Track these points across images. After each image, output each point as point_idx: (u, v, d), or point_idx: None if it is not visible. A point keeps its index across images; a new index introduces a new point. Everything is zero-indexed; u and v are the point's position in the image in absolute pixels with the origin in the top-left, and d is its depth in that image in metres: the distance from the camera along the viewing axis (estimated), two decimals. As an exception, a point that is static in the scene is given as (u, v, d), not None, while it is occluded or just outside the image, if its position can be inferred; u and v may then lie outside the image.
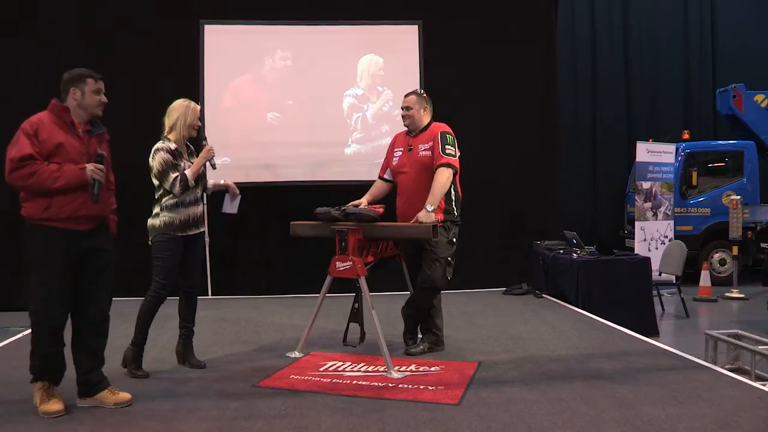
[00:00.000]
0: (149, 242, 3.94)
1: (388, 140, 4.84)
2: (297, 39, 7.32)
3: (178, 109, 3.98)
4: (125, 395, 3.41)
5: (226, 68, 7.23)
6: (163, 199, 3.91)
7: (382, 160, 4.74)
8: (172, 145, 3.93)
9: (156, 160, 3.88)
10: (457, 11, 7.53)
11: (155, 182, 3.94)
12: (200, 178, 4.03)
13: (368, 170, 6.66)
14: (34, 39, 6.77)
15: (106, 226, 3.36)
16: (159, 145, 3.92)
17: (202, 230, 4.07)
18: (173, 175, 3.85)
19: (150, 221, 3.94)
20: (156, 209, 3.94)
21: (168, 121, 3.98)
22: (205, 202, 6.82)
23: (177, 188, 3.85)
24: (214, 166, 4.10)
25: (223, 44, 7.22)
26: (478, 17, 7.54)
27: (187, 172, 3.89)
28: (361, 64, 7.38)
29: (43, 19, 6.90)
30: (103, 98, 3.34)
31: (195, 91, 6.98)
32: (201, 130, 4.20)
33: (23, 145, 3.10)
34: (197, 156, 4.05)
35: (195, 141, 4.12)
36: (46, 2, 6.96)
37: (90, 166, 3.19)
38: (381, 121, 7.33)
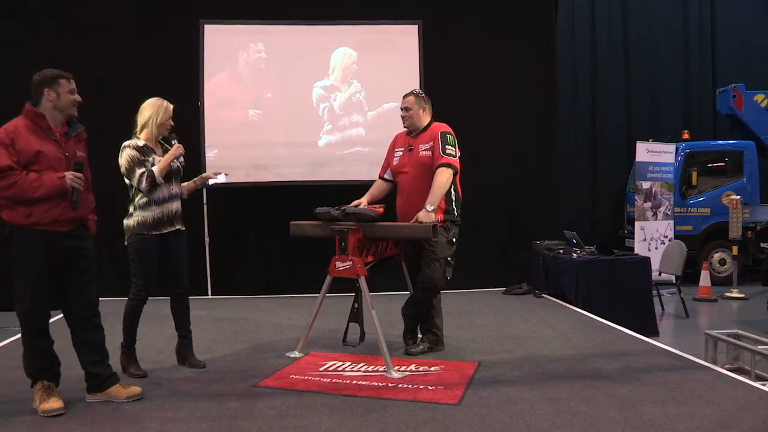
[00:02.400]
0: (125, 243, 3.92)
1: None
2: (297, 39, 7.32)
3: (151, 107, 3.93)
4: (136, 389, 3.45)
5: (225, 67, 7.23)
6: (136, 198, 3.88)
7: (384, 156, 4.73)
8: (140, 142, 3.88)
9: (123, 157, 3.84)
10: (457, 11, 7.53)
11: (126, 181, 3.90)
12: (173, 174, 3.97)
13: (368, 170, 6.66)
14: (34, 39, 6.77)
15: (85, 226, 3.36)
16: (126, 142, 3.88)
17: (179, 228, 3.99)
18: (139, 171, 3.80)
19: (125, 221, 3.91)
20: (130, 209, 3.90)
21: (140, 119, 3.93)
22: (205, 201, 6.92)
23: (144, 184, 3.80)
24: (182, 165, 4.05)
25: (223, 44, 7.22)
26: (477, 17, 7.54)
27: (155, 168, 3.83)
28: (335, 57, 7.36)
29: (43, 18, 6.89)
30: (78, 97, 3.28)
31: (195, 91, 6.99)
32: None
33: (1, 156, 3.06)
34: None
35: (166, 140, 4.05)
36: (46, 2, 6.95)
37: (69, 175, 3.15)
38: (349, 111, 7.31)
